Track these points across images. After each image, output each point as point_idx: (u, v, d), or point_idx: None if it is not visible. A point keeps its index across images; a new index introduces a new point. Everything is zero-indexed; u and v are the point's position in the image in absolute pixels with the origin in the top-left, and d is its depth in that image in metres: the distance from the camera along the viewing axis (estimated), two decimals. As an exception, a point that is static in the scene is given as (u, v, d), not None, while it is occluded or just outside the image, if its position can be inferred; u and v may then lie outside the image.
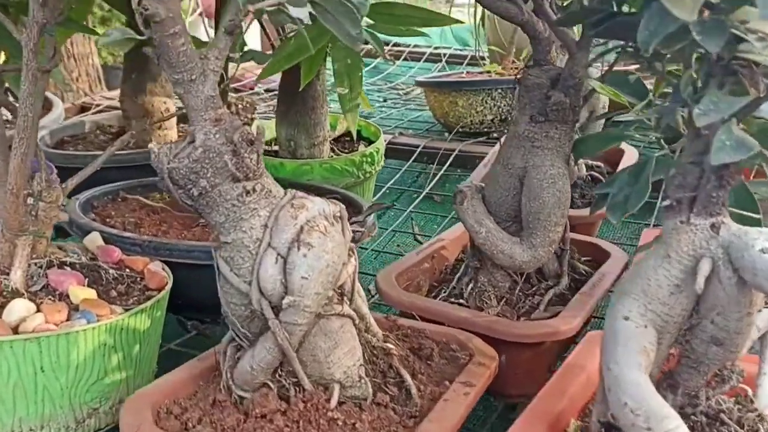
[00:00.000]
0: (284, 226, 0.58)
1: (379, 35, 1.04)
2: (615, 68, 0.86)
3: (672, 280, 0.56)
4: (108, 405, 0.78)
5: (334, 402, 0.62)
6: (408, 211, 1.60)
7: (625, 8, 0.59)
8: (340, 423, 0.62)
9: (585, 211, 1.20)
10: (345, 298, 0.64)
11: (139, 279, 0.89)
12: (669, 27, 0.45)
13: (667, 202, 0.56)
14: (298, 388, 0.62)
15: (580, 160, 1.35)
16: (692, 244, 0.55)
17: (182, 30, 0.54)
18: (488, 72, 2.05)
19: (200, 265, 0.97)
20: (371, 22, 0.99)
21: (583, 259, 1.05)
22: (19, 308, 0.72)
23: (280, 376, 0.61)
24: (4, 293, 0.76)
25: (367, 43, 1.17)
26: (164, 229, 1.07)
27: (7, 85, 0.95)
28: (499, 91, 1.85)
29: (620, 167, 1.39)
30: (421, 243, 1.53)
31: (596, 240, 1.09)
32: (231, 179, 0.58)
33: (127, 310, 0.79)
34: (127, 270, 0.90)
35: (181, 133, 1.62)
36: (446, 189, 1.79)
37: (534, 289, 0.93)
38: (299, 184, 1.30)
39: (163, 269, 0.91)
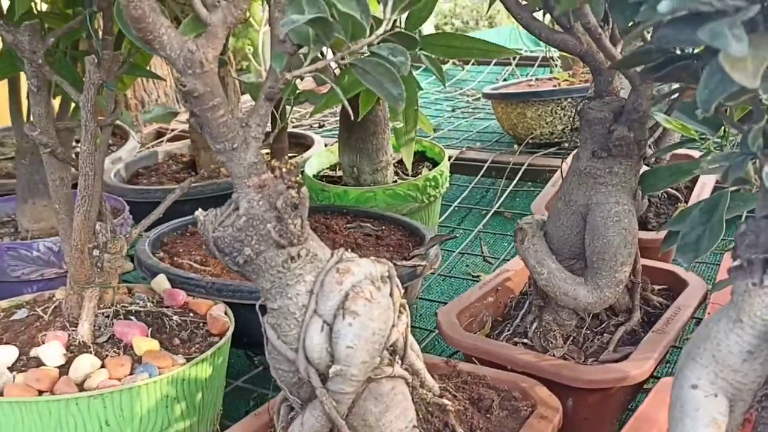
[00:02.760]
0: (329, 293, 0.57)
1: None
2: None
3: (744, 347, 0.51)
4: (173, 453, 0.79)
5: (389, 464, 0.61)
6: (476, 231, 1.57)
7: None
8: (395, 486, 0.60)
9: (661, 234, 1.14)
10: (397, 357, 0.63)
11: (201, 324, 0.90)
12: (731, 86, 0.41)
13: (737, 263, 0.51)
14: (351, 451, 0.61)
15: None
16: (766, 308, 0.50)
17: (221, 102, 0.54)
18: (556, 79, 1.99)
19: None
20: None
21: (657, 288, 1.00)
22: (84, 365, 0.74)
23: (331, 442, 0.60)
24: (71, 347, 0.78)
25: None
26: (221, 268, 1.08)
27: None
28: (569, 100, 1.79)
29: (699, 182, 1.32)
30: (491, 264, 1.50)
31: (672, 267, 1.03)
32: (275, 246, 0.57)
33: (189, 359, 0.80)
34: (191, 314, 0.92)
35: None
36: (516, 204, 1.75)
37: (603, 326, 0.89)
38: (363, 212, 1.30)
39: (226, 313, 0.92)
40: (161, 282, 0.98)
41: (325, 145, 1.63)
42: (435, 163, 1.49)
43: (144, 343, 0.80)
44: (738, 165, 0.51)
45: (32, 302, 0.93)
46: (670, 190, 1.28)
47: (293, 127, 2.30)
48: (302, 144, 1.71)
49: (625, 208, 0.78)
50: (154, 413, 0.76)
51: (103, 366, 0.76)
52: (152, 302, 0.93)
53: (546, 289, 0.83)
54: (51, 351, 0.76)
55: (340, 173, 1.46)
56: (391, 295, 0.60)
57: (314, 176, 1.45)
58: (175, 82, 0.53)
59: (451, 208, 1.66)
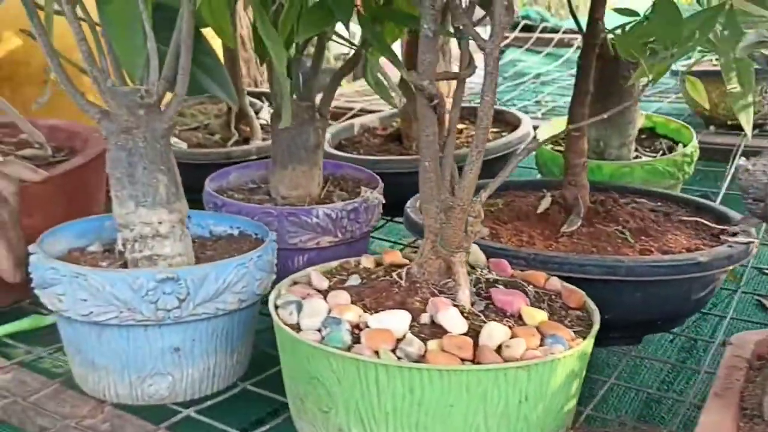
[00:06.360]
0: None
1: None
2: None
3: None
4: (557, 436, 0.73)
5: None
6: None
7: None
8: None
9: None
10: None
11: (553, 296, 0.83)
12: None
13: None
14: None
15: None
16: None
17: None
18: None
19: (592, 280, 0.91)
20: None
21: None
22: (498, 333, 0.68)
23: None
24: (463, 314, 0.72)
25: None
26: (526, 239, 1.02)
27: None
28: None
29: None
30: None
31: None
32: None
33: (578, 333, 0.74)
34: (530, 285, 0.85)
35: (458, 135, 1.58)
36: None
37: None
38: (620, 187, 1.21)
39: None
40: (475, 251, 0.92)
41: (534, 128, 1.54)
42: (671, 140, 1.41)
43: (536, 314, 0.73)
44: None
45: (339, 269, 0.89)
46: None
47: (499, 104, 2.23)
48: (504, 121, 1.64)
49: None
50: (563, 389, 0.70)
51: (513, 336, 0.69)
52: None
53: None
54: (452, 317, 0.70)
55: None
56: None
57: (544, 150, 1.38)
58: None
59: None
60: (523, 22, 3.43)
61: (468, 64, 0.80)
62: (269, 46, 0.82)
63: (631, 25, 1.08)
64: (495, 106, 1.79)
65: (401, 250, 1.40)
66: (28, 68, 1.66)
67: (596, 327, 0.74)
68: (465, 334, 0.69)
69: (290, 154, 1.13)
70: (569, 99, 1.10)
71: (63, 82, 0.81)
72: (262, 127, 1.71)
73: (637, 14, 1.10)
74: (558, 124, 1.45)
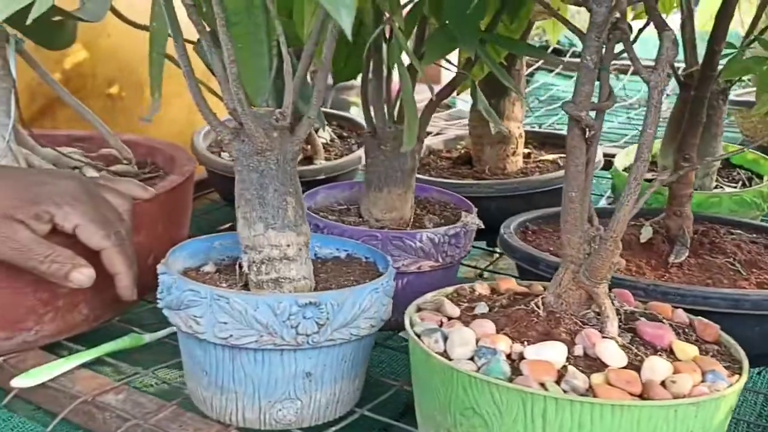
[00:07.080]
0: None
1: None
2: None
3: None
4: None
5: None
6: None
7: None
8: None
9: None
10: None
11: (686, 329, 0.82)
12: None
13: None
14: None
15: None
16: None
17: None
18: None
19: (711, 313, 0.90)
20: None
21: None
22: (662, 368, 0.68)
23: None
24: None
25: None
26: (635, 269, 1.01)
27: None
28: None
29: None
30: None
31: None
32: None
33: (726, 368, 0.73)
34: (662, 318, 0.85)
35: (526, 160, 1.58)
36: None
37: None
38: (712, 218, 1.21)
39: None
40: (592, 281, 0.91)
41: (605, 155, 1.54)
42: (748, 171, 1.41)
43: (688, 349, 0.73)
44: None
45: (456, 295, 0.88)
46: None
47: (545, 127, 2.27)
48: (558, 145, 1.64)
49: None
50: (721, 425, 0.69)
51: (676, 371, 0.69)
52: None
53: None
54: (611, 350, 0.69)
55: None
56: None
57: (622, 178, 1.38)
58: None
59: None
60: (552, 47, 3.47)
61: (608, 96, 0.80)
62: (417, 66, 0.81)
63: (731, 56, 1.09)
64: (554, 131, 1.81)
65: (480, 275, 1.39)
66: (94, 81, 1.66)
67: (746, 362, 0.73)
68: (626, 368, 0.69)
69: (386, 176, 1.12)
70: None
71: (199, 104, 0.81)
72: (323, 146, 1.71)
73: (735, 47, 1.11)
74: (633, 152, 1.46)
